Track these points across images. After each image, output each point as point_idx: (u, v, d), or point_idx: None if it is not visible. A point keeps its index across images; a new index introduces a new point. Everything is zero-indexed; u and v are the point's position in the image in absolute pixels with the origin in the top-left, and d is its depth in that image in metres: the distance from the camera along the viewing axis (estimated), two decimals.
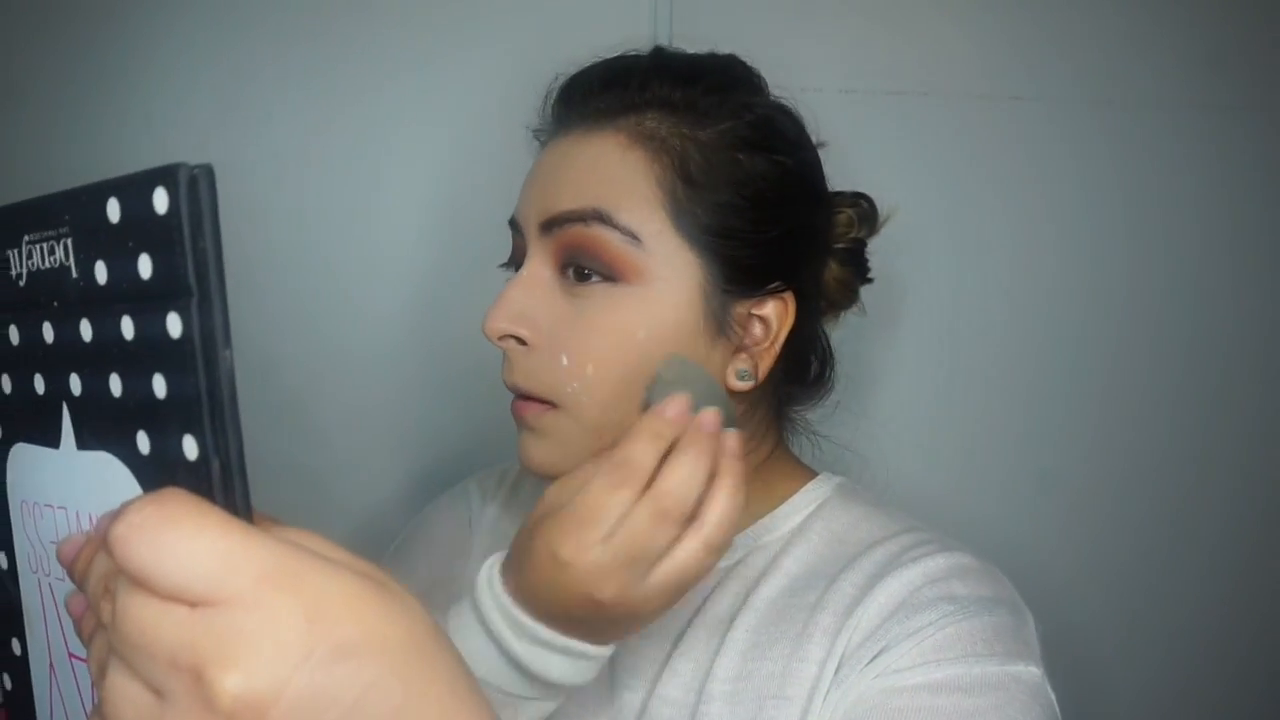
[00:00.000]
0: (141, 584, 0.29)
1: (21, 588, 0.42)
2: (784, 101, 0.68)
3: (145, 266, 0.33)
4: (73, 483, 0.38)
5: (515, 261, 0.67)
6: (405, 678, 0.31)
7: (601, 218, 0.60)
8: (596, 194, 0.60)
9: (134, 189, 0.33)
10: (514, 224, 0.66)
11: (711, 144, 0.62)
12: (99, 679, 0.31)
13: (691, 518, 0.53)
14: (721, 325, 0.62)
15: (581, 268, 0.61)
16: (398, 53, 1.02)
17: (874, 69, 1.01)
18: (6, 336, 0.39)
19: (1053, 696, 0.56)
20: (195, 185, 0.32)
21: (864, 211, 0.71)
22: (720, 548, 0.53)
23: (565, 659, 0.55)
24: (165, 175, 0.32)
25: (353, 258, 1.04)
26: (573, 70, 0.68)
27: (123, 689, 0.30)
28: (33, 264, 0.38)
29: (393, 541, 0.85)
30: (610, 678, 0.65)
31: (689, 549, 0.52)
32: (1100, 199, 1.01)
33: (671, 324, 0.60)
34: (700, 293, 0.61)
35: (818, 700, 0.57)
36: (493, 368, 1.04)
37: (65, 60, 1.02)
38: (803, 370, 0.70)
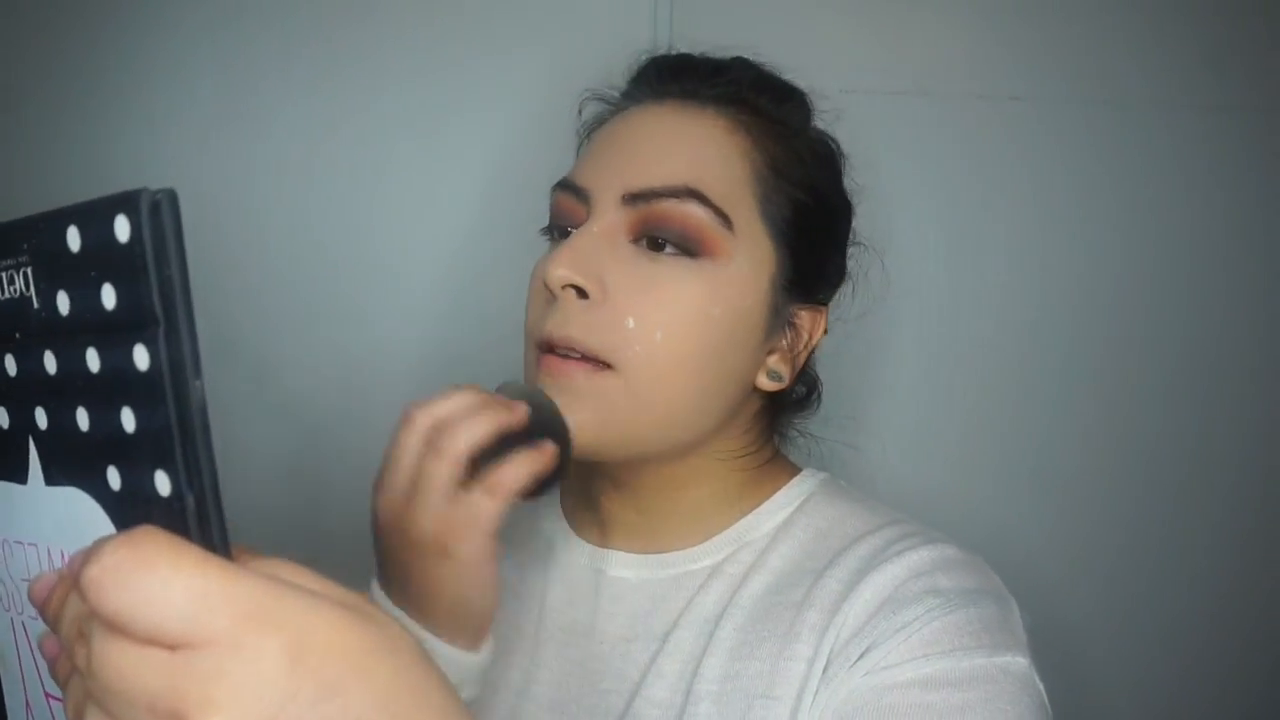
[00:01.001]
0: (117, 628, 0.28)
1: None
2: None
3: (109, 296, 0.31)
4: (42, 519, 0.37)
5: (558, 227, 0.65)
6: (393, 713, 0.30)
7: (697, 195, 0.60)
8: (693, 173, 0.61)
9: (94, 216, 0.31)
10: (575, 188, 0.64)
11: (798, 154, 0.65)
12: None
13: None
14: (776, 321, 0.64)
15: (657, 238, 0.61)
16: (399, 56, 1.02)
17: (874, 69, 1.00)
18: None
19: (1040, 686, 0.56)
20: (158, 211, 0.30)
21: None
22: (499, 494, 0.55)
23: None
24: (126, 202, 0.30)
25: (353, 260, 1.04)
26: (659, 52, 0.71)
27: None
28: None
29: None
30: (594, 679, 0.64)
31: (475, 492, 0.55)
32: (1099, 199, 1.00)
33: (745, 309, 0.61)
34: (771, 284, 0.63)
35: (807, 699, 0.56)
36: (493, 374, 1.04)
37: (67, 63, 1.02)
38: (801, 388, 0.72)
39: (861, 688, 0.54)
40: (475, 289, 1.05)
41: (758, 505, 0.67)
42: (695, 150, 0.62)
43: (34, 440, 0.36)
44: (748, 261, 0.61)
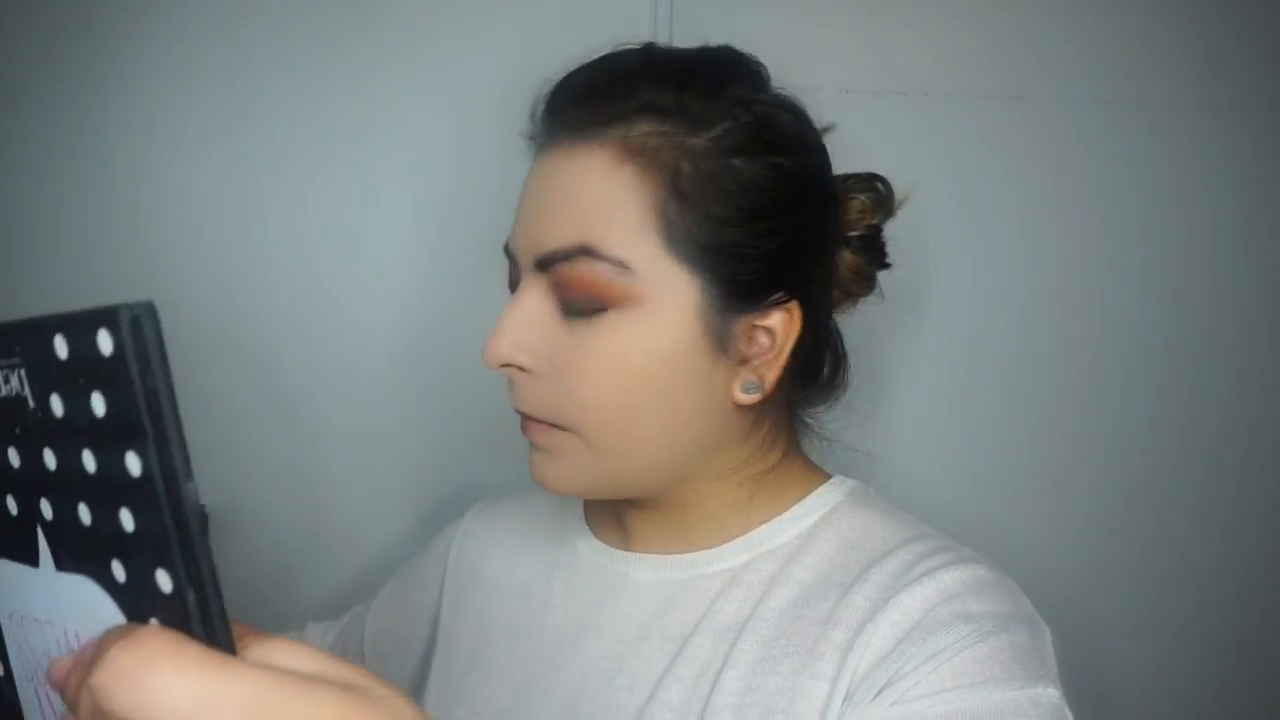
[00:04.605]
0: None
1: (20, 695, 0.43)
2: (785, 94, 0.66)
3: (99, 404, 0.33)
4: (56, 600, 0.38)
5: (514, 285, 0.66)
6: None
7: (588, 252, 0.59)
8: (582, 224, 0.59)
9: (78, 328, 0.33)
10: (508, 251, 0.65)
11: (705, 152, 0.59)
12: None
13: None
14: (723, 342, 0.61)
15: (571, 301, 0.60)
16: (396, 53, 1.02)
17: (874, 69, 1.00)
18: None
19: (1070, 717, 0.55)
20: (138, 325, 0.31)
21: (878, 196, 0.69)
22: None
23: None
24: (106, 317, 0.31)
25: (350, 256, 1.05)
26: (561, 74, 0.65)
27: None
28: None
29: (393, 545, 0.92)
30: (609, 677, 0.65)
31: None
32: (1101, 199, 0.99)
33: (668, 347, 0.60)
34: (696, 313, 0.60)
35: None
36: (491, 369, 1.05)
37: (65, 62, 1.02)
38: (814, 373, 0.69)
39: (889, 718, 0.53)
40: (478, 285, 1.05)
41: (780, 512, 0.66)
42: (582, 197, 0.59)
43: (41, 528, 0.38)
44: (662, 299, 0.59)
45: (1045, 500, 1.02)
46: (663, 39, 1.00)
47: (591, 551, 0.72)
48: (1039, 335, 1.01)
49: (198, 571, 0.32)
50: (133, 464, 0.32)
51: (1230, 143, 0.98)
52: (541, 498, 0.79)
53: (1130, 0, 0.97)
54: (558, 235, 0.60)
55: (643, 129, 0.59)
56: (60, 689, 0.36)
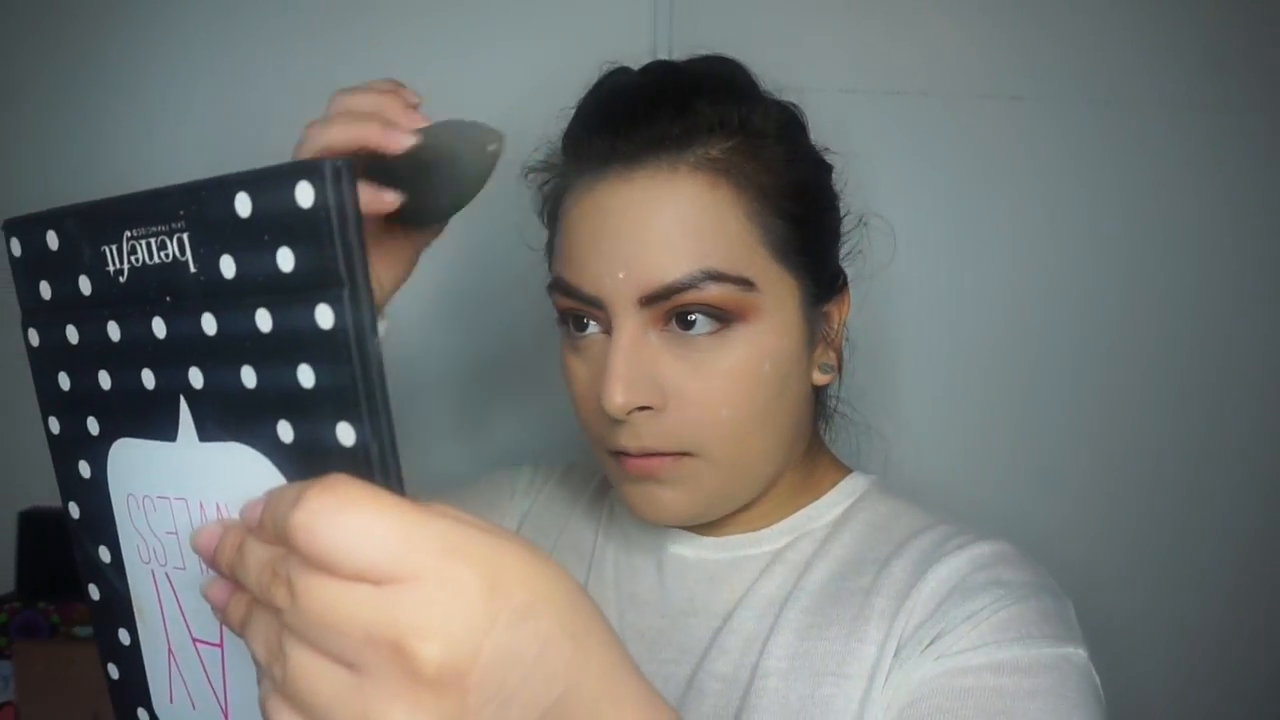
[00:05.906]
0: (324, 567, 0.31)
1: (130, 580, 0.42)
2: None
3: (286, 260, 0.33)
4: (194, 474, 0.38)
5: (575, 319, 0.63)
6: (573, 633, 0.34)
7: (715, 276, 0.58)
8: (701, 252, 0.58)
9: (270, 184, 0.34)
10: (585, 297, 0.61)
11: (775, 162, 0.62)
12: (273, 660, 0.32)
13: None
14: (813, 333, 0.65)
15: (686, 315, 0.59)
16: (396, 55, 1.02)
17: (874, 69, 1.02)
18: (105, 333, 0.40)
19: (1097, 679, 0.59)
20: (339, 179, 0.32)
21: None
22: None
23: None
24: (309, 170, 0.32)
25: None
26: (579, 102, 0.65)
27: (311, 667, 0.31)
28: (136, 259, 0.38)
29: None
30: (654, 649, 0.66)
31: None
32: (1100, 198, 1.02)
33: (787, 348, 0.62)
34: (800, 312, 0.63)
35: (879, 679, 0.58)
36: (500, 374, 1.05)
37: (65, 60, 1.02)
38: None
39: (934, 671, 0.56)
40: (474, 284, 1.05)
41: (815, 499, 0.69)
42: (693, 224, 0.59)
43: (186, 399, 0.38)
44: (777, 306, 0.61)
45: (1033, 495, 1.04)
46: (663, 41, 1.02)
47: (635, 521, 0.72)
48: (1036, 333, 1.04)
49: (380, 425, 0.33)
50: (324, 316, 0.33)
51: (1230, 143, 1.01)
52: (577, 471, 0.82)
53: (1129, 0, 1.00)
54: (674, 267, 0.58)
55: (721, 146, 0.60)
56: (208, 555, 0.36)
